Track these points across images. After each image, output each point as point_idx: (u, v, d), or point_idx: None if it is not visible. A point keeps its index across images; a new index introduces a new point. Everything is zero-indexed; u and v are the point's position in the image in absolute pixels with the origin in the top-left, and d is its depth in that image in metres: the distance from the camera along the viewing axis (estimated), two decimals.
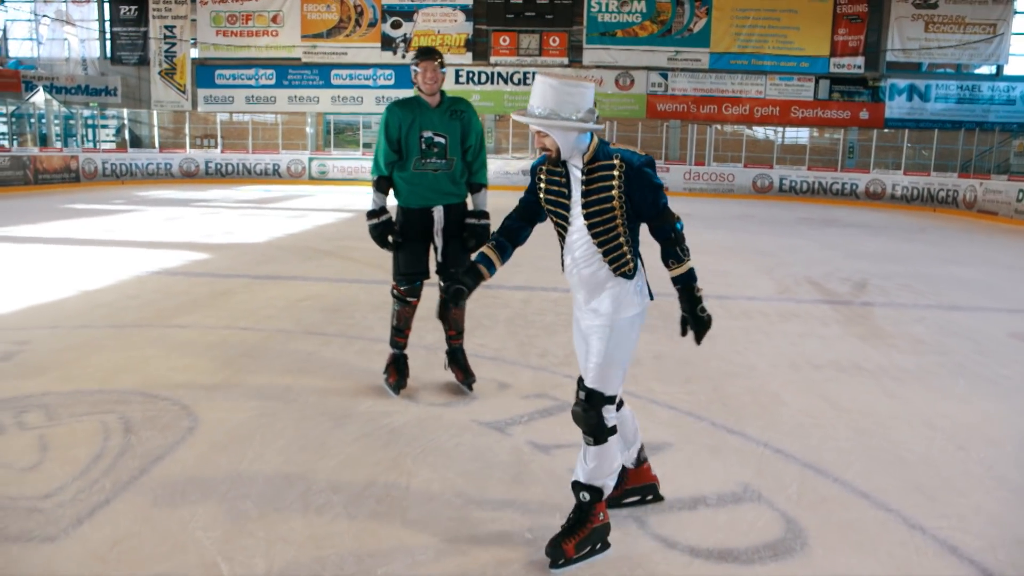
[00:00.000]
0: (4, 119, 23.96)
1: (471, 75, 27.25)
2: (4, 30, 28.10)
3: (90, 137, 26.61)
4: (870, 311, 7.47)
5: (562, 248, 2.92)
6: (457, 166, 4.44)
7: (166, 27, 28.12)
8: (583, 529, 2.81)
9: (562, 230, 2.89)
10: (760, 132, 27.50)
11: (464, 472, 3.49)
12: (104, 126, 28.01)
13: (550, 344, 5.78)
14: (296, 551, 2.77)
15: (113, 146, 27.58)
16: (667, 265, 2.81)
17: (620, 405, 3.02)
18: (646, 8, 26.31)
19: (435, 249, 4.50)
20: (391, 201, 4.44)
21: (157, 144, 27.93)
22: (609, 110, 26.73)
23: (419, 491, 3.30)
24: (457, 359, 4.66)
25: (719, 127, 26.95)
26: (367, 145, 27.83)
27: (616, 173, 2.73)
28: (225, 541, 2.86)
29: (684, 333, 2.82)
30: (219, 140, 27.82)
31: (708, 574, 2.73)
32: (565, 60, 26.66)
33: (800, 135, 27.29)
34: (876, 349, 5.99)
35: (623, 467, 3.14)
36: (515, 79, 26.84)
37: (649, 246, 2.89)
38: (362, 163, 26.39)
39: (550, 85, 2.67)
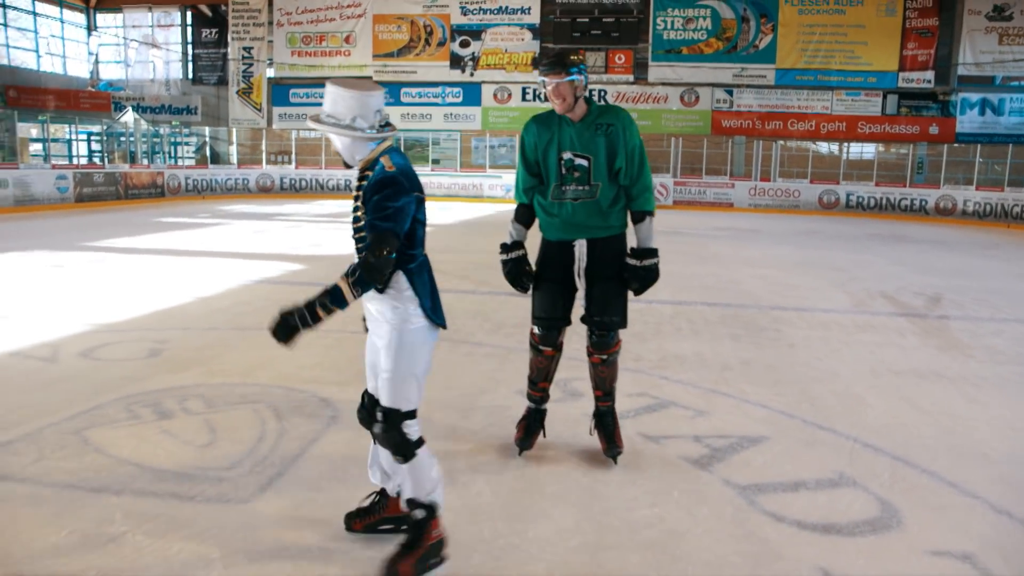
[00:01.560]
0: (97, 138, 25.37)
1: (538, 93, 27.80)
2: (96, 55, 29.69)
3: (172, 154, 27.94)
4: (946, 324, 7.69)
5: None
6: (605, 193, 3.64)
7: (244, 48, 29.34)
8: (420, 547, 2.77)
9: None
10: (826, 148, 27.46)
11: (587, 457, 3.92)
12: (186, 143, 29.36)
13: (642, 350, 6.18)
14: (454, 516, 3.21)
15: (194, 162, 28.90)
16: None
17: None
18: (711, 25, 26.56)
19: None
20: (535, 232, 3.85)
21: (235, 160, 29.13)
22: (674, 126, 27.02)
23: (551, 472, 3.74)
24: (604, 423, 3.89)
25: (784, 143, 26.99)
26: (436, 161, 28.62)
27: (367, 184, 2.69)
28: None
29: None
30: (293, 156, 28.88)
31: (816, 542, 3.11)
32: (631, 77, 27.07)
33: (867, 151, 27.16)
34: (954, 359, 6.24)
35: (384, 493, 3.08)
36: None
37: None
38: (431, 179, 27.09)
39: (329, 91, 2.68)
